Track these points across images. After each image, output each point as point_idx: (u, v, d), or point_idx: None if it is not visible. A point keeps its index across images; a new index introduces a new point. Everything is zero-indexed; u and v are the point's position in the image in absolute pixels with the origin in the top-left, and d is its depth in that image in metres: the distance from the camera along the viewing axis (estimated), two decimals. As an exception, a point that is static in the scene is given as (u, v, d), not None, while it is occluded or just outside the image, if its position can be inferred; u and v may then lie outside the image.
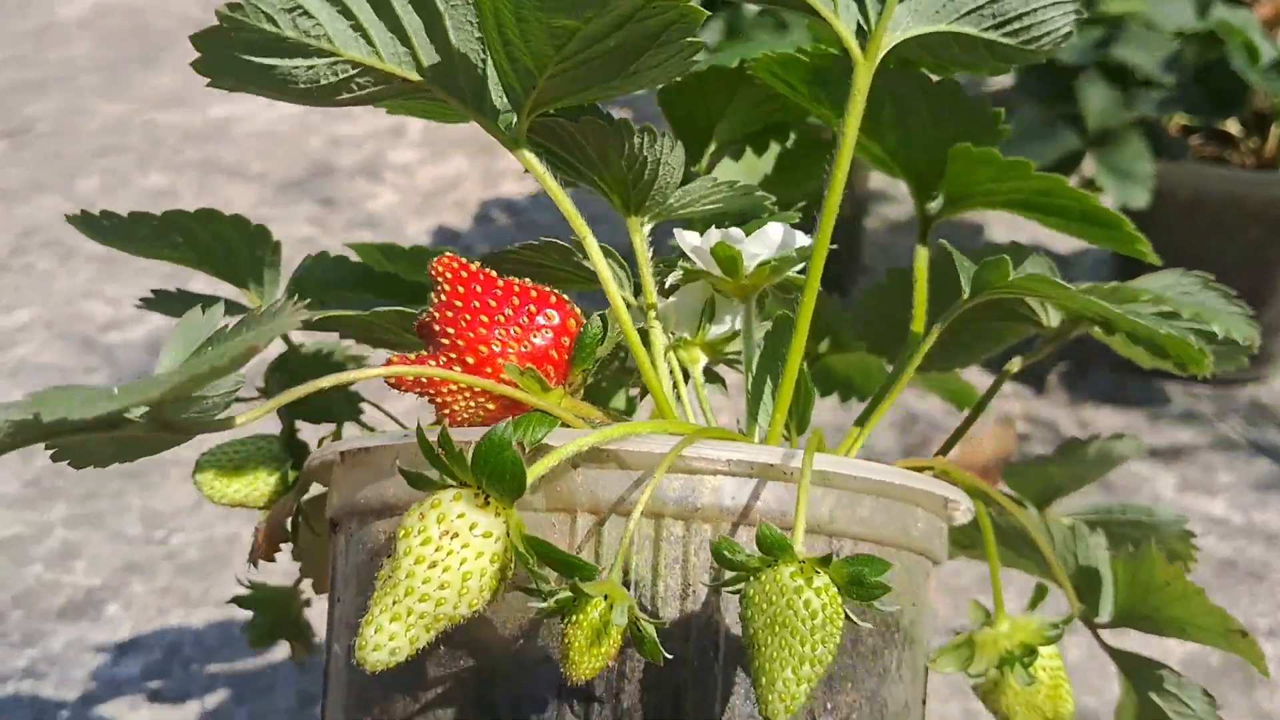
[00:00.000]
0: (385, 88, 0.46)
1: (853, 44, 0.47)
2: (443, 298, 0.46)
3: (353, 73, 0.45)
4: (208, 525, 1.09)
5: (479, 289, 0.45)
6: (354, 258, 0.64)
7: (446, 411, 0.47)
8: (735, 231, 0.51)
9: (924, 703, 0.51)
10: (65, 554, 1.06)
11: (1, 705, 0.90)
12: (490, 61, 0.45)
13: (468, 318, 0.45)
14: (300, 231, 1.63)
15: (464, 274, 0.46)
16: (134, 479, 1.14)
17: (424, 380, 0.45)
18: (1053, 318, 0.61)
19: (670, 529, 0.43)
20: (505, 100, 0.47)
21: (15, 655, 0.94)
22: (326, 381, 0.42)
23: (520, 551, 0.39)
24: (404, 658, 0.38)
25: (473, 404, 0.46)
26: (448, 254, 0.46)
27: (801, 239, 0.52)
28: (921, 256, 0.57)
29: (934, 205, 0.59)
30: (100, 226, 0.57)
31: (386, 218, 1.68)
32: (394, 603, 0.38)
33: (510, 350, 0.45)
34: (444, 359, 0.45)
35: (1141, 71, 1.15)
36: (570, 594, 0.39)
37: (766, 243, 0.51)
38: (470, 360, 0.45)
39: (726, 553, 0.40)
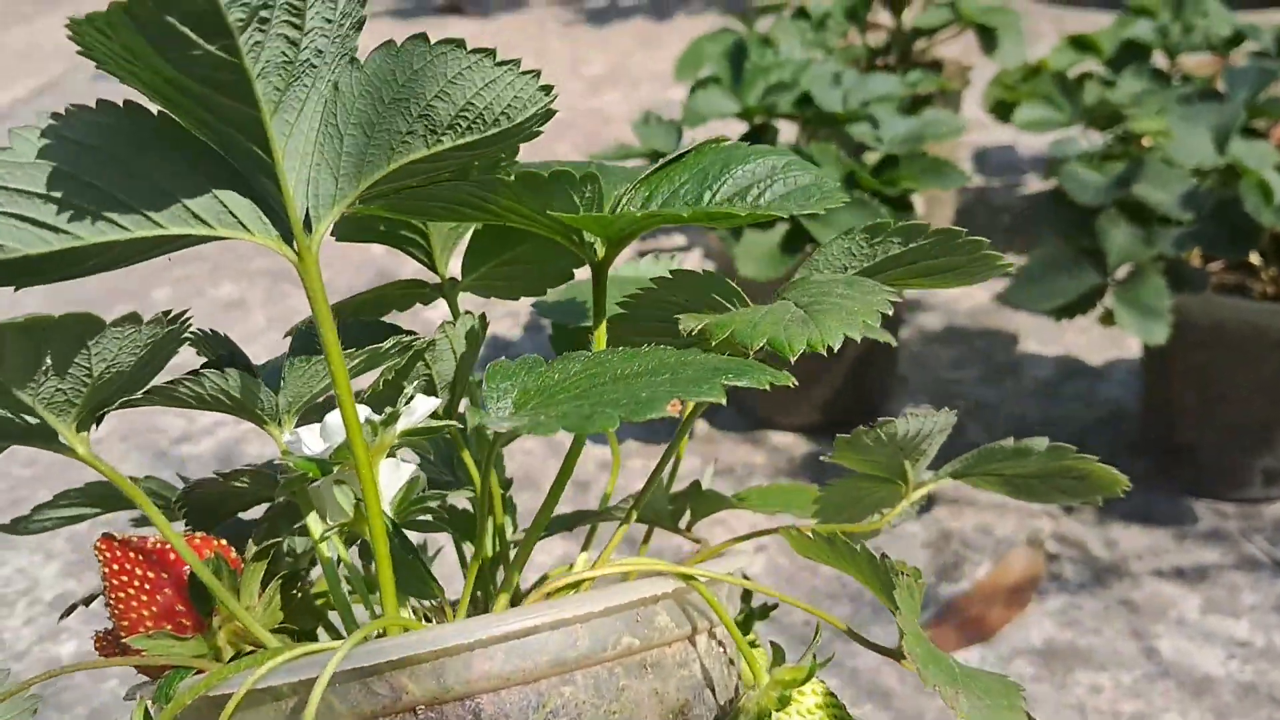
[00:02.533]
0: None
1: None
2: (103, 581, 0.48)
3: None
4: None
5: (116, 566, 0.47)
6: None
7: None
8: (287, 439, 0.51)
9: None
10: (141, 669, 1.13)
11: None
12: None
13: (112, 598, 0.47)
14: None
15: (109, 554, 0.48)
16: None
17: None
18: None
19: None
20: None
21: (95, 771, 1.02)
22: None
23: None
24: None
25: (151, 674, 0.48)
26: (102, 536, 0.48)
27: (323, 432, 0.50)
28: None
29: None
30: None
31: (442, 327, 1.76)
32: None
33: (145, 615, 0.47)
34: (118, 641, 0.48)
35: (1161, 210, 1.20)
36: None
37: (325, 433, 0.50)
38: (124, 639, 0.47)
39: None
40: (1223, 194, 1.21)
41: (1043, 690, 1.11)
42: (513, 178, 0.45)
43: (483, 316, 0.55)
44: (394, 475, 0.51)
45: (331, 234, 0.59)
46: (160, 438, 1.51)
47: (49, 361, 0.43)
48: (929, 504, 1.37)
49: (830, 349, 0.42)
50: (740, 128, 1.38)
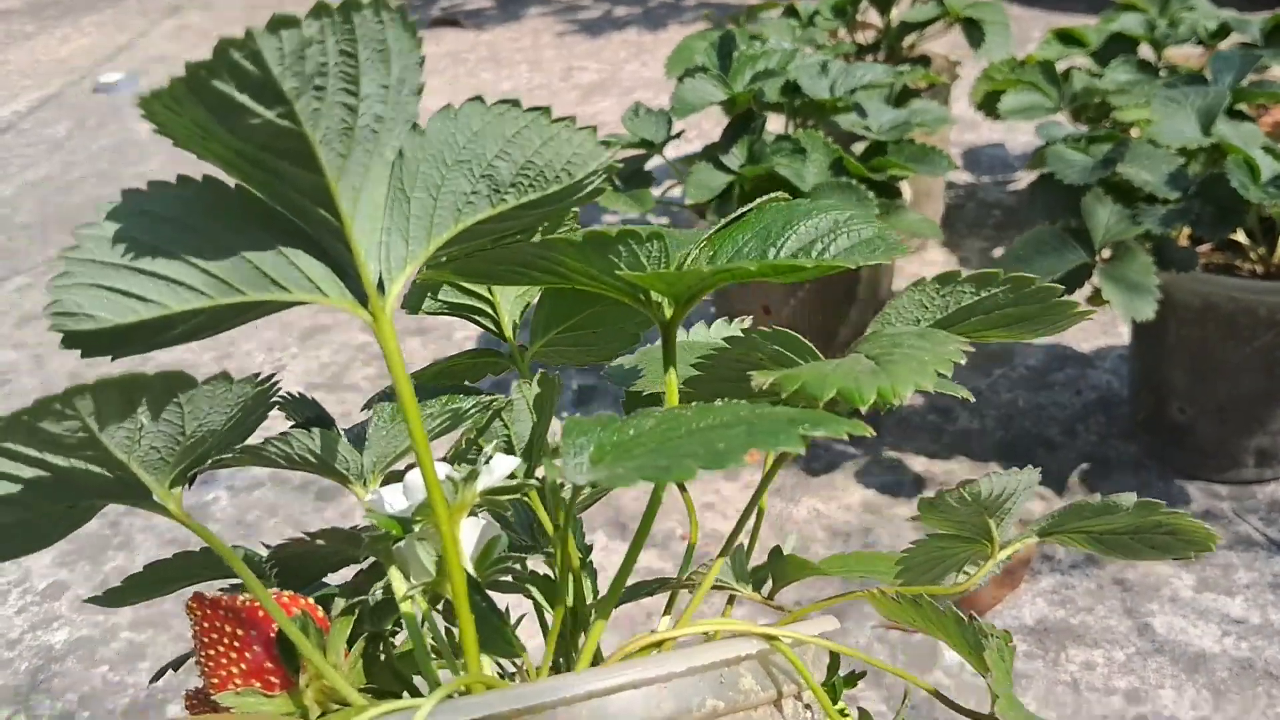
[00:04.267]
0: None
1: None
2: (194, 639, 0.49)
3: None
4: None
5: (206, 624, 0.48)
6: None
7: None
8: (369, 498, 0.52)
9: None
10: (130, 655, 1.13)
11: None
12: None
13: (202, 655, 0.48)
14: (356, 339, 1.71)
15: (199, 612, 0.48)
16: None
17: None
18: None
19: None
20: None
21: (85, 754, 1.01)
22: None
23: None
24: None
25: None
26: (194, 595, 0.49)
27: (405, 490, 0.51)
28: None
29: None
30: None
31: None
32: None
33: (234, 673, 0.48)
34: (208, 699, 0.48)
35: (1147, 188, 1.21)
36: None
37: (407, 491, 0.51)
38: (212, 696, 0.48)
39: None
40: (1209, 172, 1.21)
41: (1036, 668, 1.11)
42: (579, 238, 0.46)
43: (556, 377, 0.55)
44: (474, 534, 0.52)
45: (401, 306, 0.60)
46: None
47: (143, 420, 0.44)
48: (919, 484, 1.37)
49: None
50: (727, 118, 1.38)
